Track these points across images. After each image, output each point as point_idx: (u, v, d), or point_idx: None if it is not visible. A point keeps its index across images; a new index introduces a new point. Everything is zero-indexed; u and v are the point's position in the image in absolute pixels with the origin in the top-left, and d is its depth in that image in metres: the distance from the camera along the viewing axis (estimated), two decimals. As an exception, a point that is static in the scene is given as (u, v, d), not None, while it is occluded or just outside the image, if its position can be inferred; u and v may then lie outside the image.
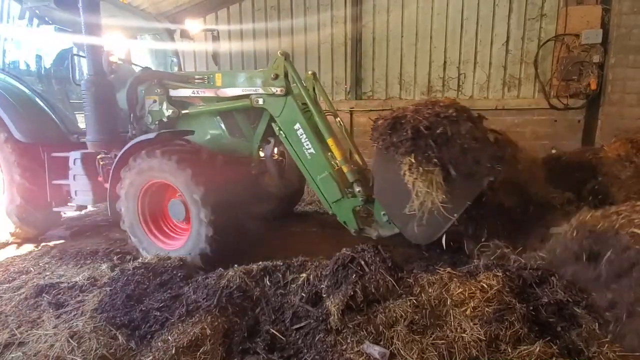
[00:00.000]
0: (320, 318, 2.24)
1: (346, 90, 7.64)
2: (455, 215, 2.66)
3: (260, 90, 3.59)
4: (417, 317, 2.00)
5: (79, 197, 4.02)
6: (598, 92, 6.05)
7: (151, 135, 3.53)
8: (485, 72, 6.90)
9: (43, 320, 2.58)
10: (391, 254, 2.40)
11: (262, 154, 4.20)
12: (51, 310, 2.69)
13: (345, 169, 3.45)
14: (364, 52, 7.43)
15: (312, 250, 4.11)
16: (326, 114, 4.00)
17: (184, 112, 4.00)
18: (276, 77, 3.46)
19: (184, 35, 5.43)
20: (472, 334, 1.85)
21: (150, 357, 2.07)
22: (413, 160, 2.61)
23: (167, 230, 3.78)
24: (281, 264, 2.82)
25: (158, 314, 2.47)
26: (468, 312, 1.90)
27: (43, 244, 4.31)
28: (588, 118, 6.33)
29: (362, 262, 2.25)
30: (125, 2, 5.35)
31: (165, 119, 4.04)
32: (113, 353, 2.13)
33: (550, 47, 6.36)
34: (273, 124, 3.72)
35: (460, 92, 7.13)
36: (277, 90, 3.46)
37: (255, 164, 4.18)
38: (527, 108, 6.70)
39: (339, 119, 4.50)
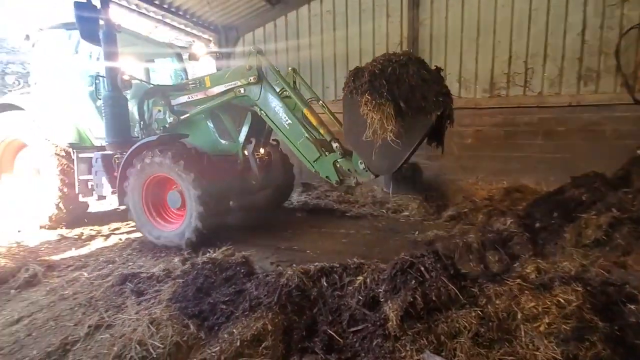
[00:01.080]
0: (378, 323, 2.23)
1: (401, 91, 7.47)
2: (410, 147, 3.23)
3: (239, 83, 4.39)
4: (482, 329, 1.89)
5: (99, 189, 4.82)
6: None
7: (153, 138, 4.40)
8: (557, 65, 6.31)
9: (127, 306, 2.90)
10: (453, 261, 2.30)
11: (246, 152, 4.94)
12: (133, 297, 3.01)
13: (322, 130, 4.05)
14: (421, 51, 7.21)
15: (366, 252, 4.12)
16: (310, 100, 4.76)
17: (182, 117, 4.85)
18: (250, 68, 4.27)
19: (192, 57, 6.32)
20: (546, 352, 1.70)
21: (217, 348, 2.21)
22: (369, 97, 3.09)
23: (166, 217, 4.59)
24: (337, 265, 2.86)
25: (224, 307, 2.64)
26: (542, 328, 1.75)
27: (126, 236, 4.86)
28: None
29: (422, 268, 2.19)
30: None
31: (167, 125, 4.90)
32: (185, 341, 2.32)
33: (634, 36, 5.62)
34: (255, 108, 4.45)
35: (527, 88, 6.60)
36: (251, 79, 4.26)
37: (240, 161, 4.95)
38: (607, 104, 5.99)
39: (321, 102, 5.09)
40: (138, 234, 4.95)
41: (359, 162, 3.74)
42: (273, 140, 5.54)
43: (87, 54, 5.06)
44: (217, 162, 4.63)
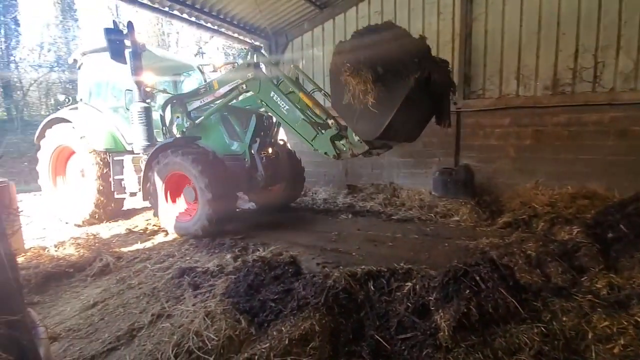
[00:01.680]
0: (428, 332, 2.16)
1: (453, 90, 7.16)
2: (391, 111, 3.29)
3: (240, 80, 4.90)
4: (546, 347, 1.75)
5: (129, 187, 5.62)
6: None
7: (170, 140, 5.20)
8: (631, 58, 5.65)
9: (184, 298, 3.11)
10: (512, 271, 2.15)
11: (252, 151, 5.42)
12: (190, 290, 3.21)
13: (317, 111, 4.42)
14: (474, 48, 6.87)
15: (414, 258, 4.01)
16: (313, 92, 5.20)
17: (197, 122, 5.46)
18: (248, 65, 4.87)
19: (214, 69, 6.80)
20: (623, 379, 1.54)
21: (267, 345, 2.28)
22: (349, 64, 3.33)
23: (183, 209, 5.18)
24: (385, 269, 2.82)
25: (273, 304, 2.73)
26: (616, 350, 1.58)
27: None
28: None
29: (477, 278, 2.08)
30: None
31: (184, 130, 5.53)
32: (237, 335, 2.42)
33: None
34: (258, 101, 4.91)
35: (597, 84, 5.99)
36: (250, 75, 4.79)
37: (247, 159, 5.43)
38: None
39: (323, 91, 5.34)
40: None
41: (354, 134, 3.95)
42: (280, 139, 5.93)
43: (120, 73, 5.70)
44: (226, 160, 5.26)
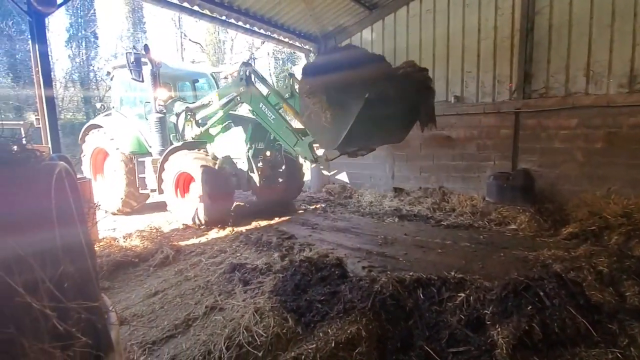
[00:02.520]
0: (483, 347, 2.04)
1: (511, 90, 6.71)
2: (346, 125, 3.59)
3: (234, 93, 5.55)
4: (623, 376, 1.57)
5: (150, 184, 6.45)
6: None
7: (179, 144, 6.07)
8: None
9: (235, 293, 3.25)
10: (582, 288, 1.96)
11: (249, 155, 6.03)
12: (240, 285, 3.35)
13: (298, 119, 4.97)
14: (536, 43, 6.37)
15: (466, 267, 3.81)
16: None
17: (203, 129, 6.26)
18: (241, 80, 5.34)
19: (226, 75, 8.14)
20: None
21: (314, 345, 2.31)
22: (308, 86, 3.91)
23: (188, 204, 5.85)
24: (436, 278, 2.72)
25: (320, 306, 2.75)
26: None
27: (235, 230, 5.47)
28: None
29: (541, 293, 1.92)
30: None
31: (194, 137, 6.29)
32: (285, 333, 2.48)
33: None
34: (249, 110, 5.55)
35: (688, 81, 5.25)
36: (242, 88, 5.35)
37: (246, 162, 6.06)
38: None
39: None
40: (244, 228, 5.53)
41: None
42: (277, 142, 6.09)
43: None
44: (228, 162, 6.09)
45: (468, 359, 2.07)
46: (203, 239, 5.03)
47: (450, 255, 4.26)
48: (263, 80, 5.51)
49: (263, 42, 25.95)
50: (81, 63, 20.52)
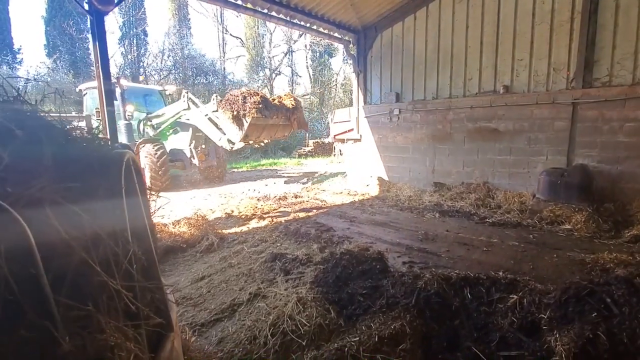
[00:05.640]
0: (539, 353, 1.91)
1: (568, 78, 6.18)
2: (238, 136, 7.13)
3: (179, 110, 8.71)
4: None
5: None
6: None
7: (139, 141, 9.08)
8: None
9: (277, 281, 3.32)
10: (658, 297, 1.77)
11: (191, 148, 9.52)
12: (281, 275, 3.42)
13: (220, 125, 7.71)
14: (600, 27, 5.80)
15: (515, 267, 3.61)
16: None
17: (158, 130, 9.56)
18: (184, 102, 8.39)
19: (170, 92, 11.86)
20: None
21: (357, 338, 2.30)
22: (223, 103, 7.31)
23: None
24: (484, 277, 2.59)
25: (362, 299, 2.72)
26: None
27: (275, 220, 5.60)
28: None
29: (608, 300, 1.76)
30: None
31: (152, 135, 9.53)
32: (327, 324, 2.49)
33: None
34: (190, 123, 8.78)
35: None
36: (184, 107, 8.44)
37: (189, 152, 9.58)
38: None
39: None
40: (284, 218, 5.64)
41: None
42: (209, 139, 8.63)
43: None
44: (177, 154, 9.67)
45: (521, 364, 1.96)
46: (244, 228, 5.19)
47: (497, 255, 4.05)
48: (193, 102, 8.43)
49: (301, 35, 26.04)
50: (132, 60, 21.81)
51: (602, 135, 5.90)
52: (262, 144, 8.28)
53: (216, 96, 7.80)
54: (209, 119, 7.80)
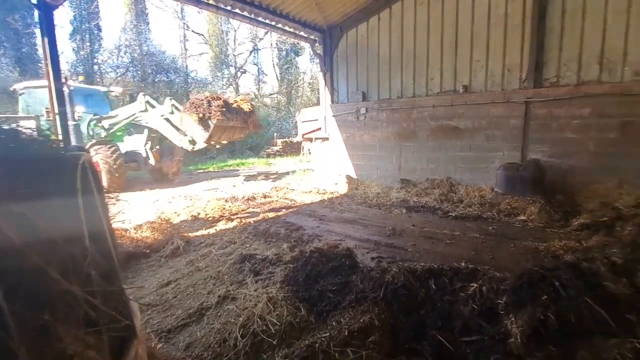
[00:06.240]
0: (497, 337, 2.04)
1: (521, 78, 6.60)
2: (203, 137, 7.66)
3: (135, 112, 8.84)
4: (641, 366, 1.56)
5: None
6: None
7: (93, 142, 8.93)
8: None
9: (246, 283, 3.27)
10: (599, 278, 1.95)
11: (146, 148, 9.53)
12: (251, 276, 3.38)
13: (180, 126, 8.17)
14: (548, 31, 6.24)
15: (476, 258, 3.80)
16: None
17: (110, 132, 9.43)
18: (141, 103, 8.54)
19: (116, 93, 11.78)
20: None
21: (327, 334, 2.33)
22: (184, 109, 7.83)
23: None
24: (447, 268, 2.71)
25: (332, 295, 2.76)
26: None
27: (244, 221, 5.51)
28: None
29: (557, 284, 1.91)
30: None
31: (102, 136, 9.37)
32: (298, 322, 2.50)
33: None
34: (147, 125, 9.01)
35: None
36: (142, 109, 8.62)
37: (144, 152, 9.55)
38: None
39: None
40: (253, 219, 5.57)
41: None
42: (165, 139, 8.98)
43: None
44: (132, 155, 9.58)
45: (481, 347, 2.07)
46: (212, 230, 5.08)
47: (460, 246, 4.26)
48: (150, 104, 8.54)
49: (266, 33, 25.76)
50: (85, 56, 20.54)
51: (552, 132, 6.36)
52: (221, 145, 8.93)
53: (170, 99, 8.42)
54: (167, 120, 8.16)
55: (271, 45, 28.13)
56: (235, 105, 7.96)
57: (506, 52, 6.69)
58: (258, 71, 29.16)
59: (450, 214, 5.74)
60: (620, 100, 5.73)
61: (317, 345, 2.23)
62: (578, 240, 4.12)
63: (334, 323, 2.44)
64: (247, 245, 4.35)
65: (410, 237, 4.66)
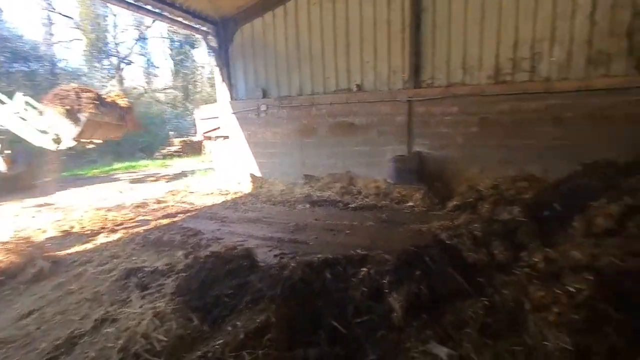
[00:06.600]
0: (383, 314, 2.20)
1: (404, 79, 7.34)
2: (73, 134, 6.42)
3: None
4: (490, 319, 1.86)
5: None
6: None
7: None
8: (565, 49, 6.13)
9: (131, 300, 2.90)
10: (459, 251, 2.25)
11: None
12: (137, 291, 3.01)
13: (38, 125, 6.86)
14: (423, 39, 7.06)
15: (371, 244, 4.08)
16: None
17: None
18: None
19: None
20: (556, 343, 1.66)
21: (222, 340, 2.20)
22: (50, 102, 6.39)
23: None
24: (341, 257, 2.83)
25: (227, 300, 2.63)
26: (551, 318, 1.71)
27: (131, 231, 4.88)
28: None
29: (427, 259, 2.15)
30: None
31: None
32: (189, 334, 2.31)
33: (648, 15, 5.42)
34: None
35: (534, 74, 6.44)
36: None
37: None
38: (618, 88, 5.82)
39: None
40: (143, 228, 4.99)
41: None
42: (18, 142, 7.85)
43: None
44: None
45: (371, 326, 2.22)
46: (89, 245, 4.37)
47: (358, 235, 4.52)
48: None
49: (154, 21, 23.43)
50: None
51: (430, 127, 7.24)
52: (94, 145, 7.68)
53: (23, 94, 6.99)
54: (21, 118, 6.72)
55: (161, 35, 25.71)
56: (109, 100, 7.01)
57: (391, 56, 7.35)
58: (147, 63, 26.33)
59: (350, 205, 6.07)
60: (478, 100, 6.83)
61: (210, 354, 2.09)
62: (451, 219, 4.78)
63: (229, 328, 2.33)
64: (134, 258, 3.87)
65: (313, 230, 4.78)
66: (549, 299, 1.77)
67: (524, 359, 1.68)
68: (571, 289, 1.77)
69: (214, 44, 8.43)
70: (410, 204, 6.00)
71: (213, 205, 6.53)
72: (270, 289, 2.59)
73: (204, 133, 9.67)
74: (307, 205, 6.17)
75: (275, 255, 3.86)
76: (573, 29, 5.99)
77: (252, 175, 8.25)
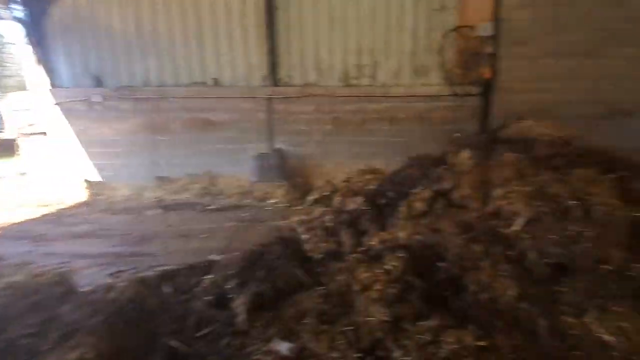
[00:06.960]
0: (228, 321, 2.06)
1: (263, 77, 7.33)
2: None
3: None
4: (327, 306, 1.94)
5: None
6: (491, 81, 6.77)
7: None
8: (397, 60, 7.22)
9: None
10: (300, 244, 2.30)
11: None
12: None
13: None
14: (278, 37, 7.18)
15: (227, 246, 3.88)
16: None
17: None
18: None
19: None
20: (379, 317, 1.85)
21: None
22: None
23: None
24: (182, 267, 2.55)
25: (27, 342, 2.03)
26: (373, 295, 1.90)
27: None
28: (484, 104, 7.07)
29: (271, 257, 2.11)
30: None
31: None
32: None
33: (452, 38, 6.89)
34: None
35: (374, 79, 7.36)
36: None
37: None
38: (435, 95, 7.20)
39: None
40: None
41: None
42: None
43: None
44: None
45: (215, 336, 2.05)
46: None
47: (214, 239, 4.25)
48: None
49: None
50: None
51: (290, 124, 7.44)
52: None
53: None
54: None
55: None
56: None
57: (250, 51, 7.20)
58: None
59: (209, 207, 5.70)
60: (330, 100, 7.39)
61: None
62: (308, 212, 4.99)
63: (22, 381, 1.78)
64: None
65: (162, 239, 4.25)
66: (372, 278, 1.97)
67: (354, 337, 1.81)
68: (388, 267, 2.01)
69: (20, 14, 6.59)
70: (273, 200, 6.05)
71: (26, 220, 5.11)
72: (90, 318, 2.12)
73: (19, 129, 7.48)
74: (159, 211, 5.50)
75: (111, 275, 3.24)
76: (402, 43, 7.07)
77: (88, 180, 6.84)
